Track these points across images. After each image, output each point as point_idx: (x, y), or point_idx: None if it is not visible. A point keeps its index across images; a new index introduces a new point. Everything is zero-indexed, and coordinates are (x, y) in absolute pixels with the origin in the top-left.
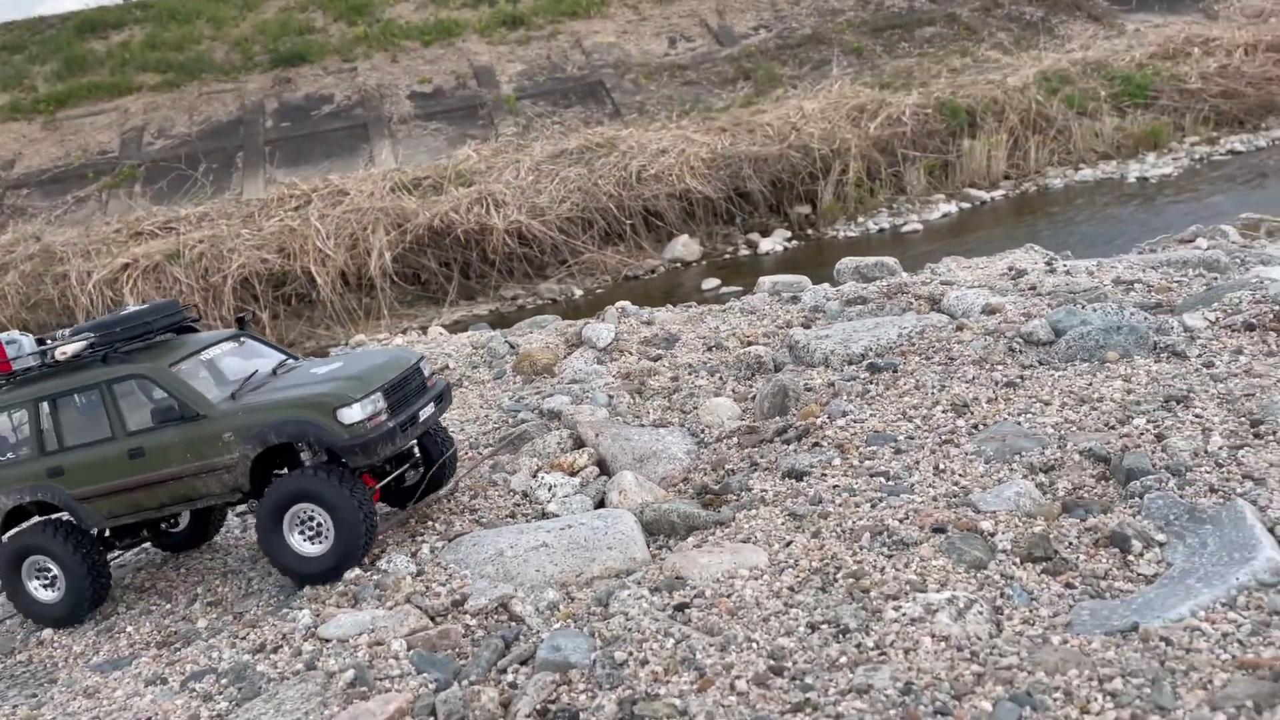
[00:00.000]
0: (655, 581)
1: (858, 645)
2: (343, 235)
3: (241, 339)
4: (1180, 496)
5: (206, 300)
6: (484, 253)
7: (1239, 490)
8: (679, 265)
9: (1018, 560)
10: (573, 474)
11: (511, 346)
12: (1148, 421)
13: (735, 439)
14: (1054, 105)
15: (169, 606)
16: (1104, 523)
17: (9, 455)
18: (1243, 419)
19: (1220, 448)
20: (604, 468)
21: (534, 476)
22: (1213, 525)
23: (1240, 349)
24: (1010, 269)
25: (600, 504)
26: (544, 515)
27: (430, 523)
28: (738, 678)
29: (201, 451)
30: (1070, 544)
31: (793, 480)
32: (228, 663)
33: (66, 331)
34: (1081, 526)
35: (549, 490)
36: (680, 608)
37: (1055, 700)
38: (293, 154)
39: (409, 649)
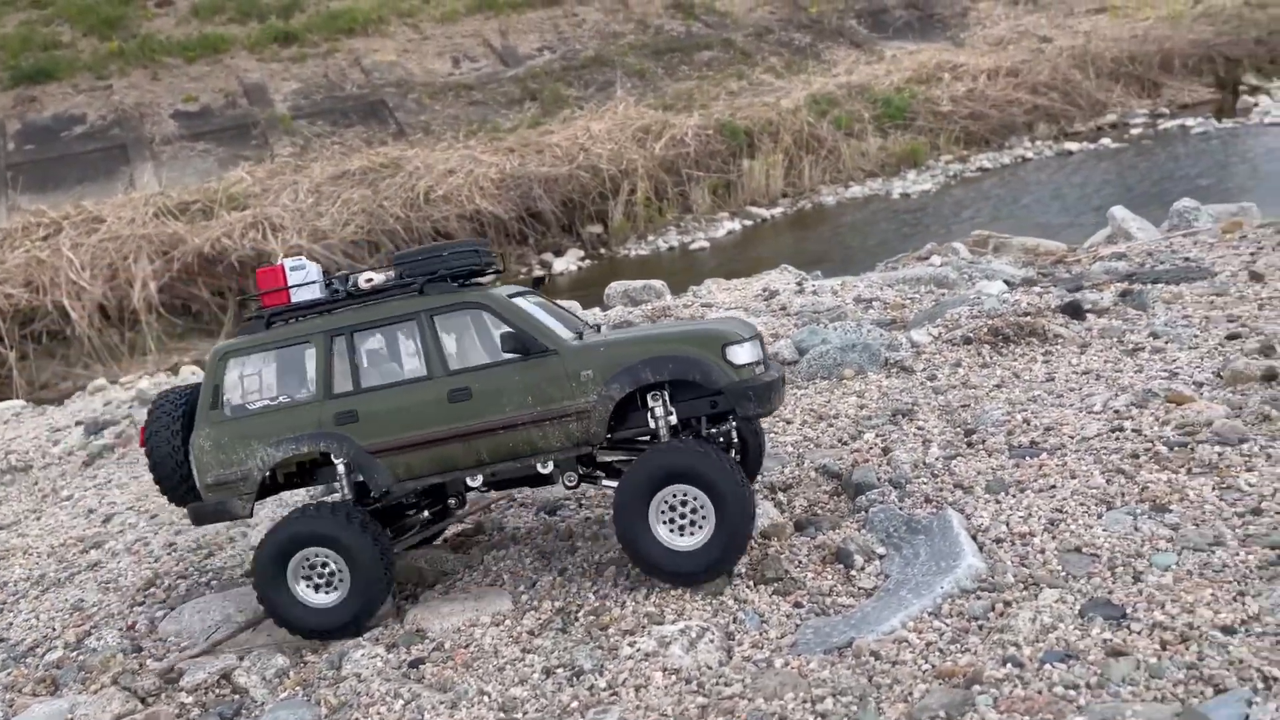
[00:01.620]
0: (393, 638)
1: (590, 688)
2: (100, 265)
3: (533, 298)
4: (900, 508)
5: None
6: None
7: (950, 499)
8: None
9: (751, 583)
10: None
11: None
12: (876, 435)
13: None
14: (824, 126)
15: None
16: (831, 539)
17: (281, 398)
18: (959, 429)
19: (937, 458)
20: None
21: None
22: (925, 535)
23: (959, 362)
24: (765, 290)
25: None
26: None
27: (152, 589)
28: None
29: (548, 394)
30: (800, 562)
31: (547, 515)
32: None
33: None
34: (811, 544)
35: None
36: (415, 664)
37: None
38: (40, 178)
39: None
